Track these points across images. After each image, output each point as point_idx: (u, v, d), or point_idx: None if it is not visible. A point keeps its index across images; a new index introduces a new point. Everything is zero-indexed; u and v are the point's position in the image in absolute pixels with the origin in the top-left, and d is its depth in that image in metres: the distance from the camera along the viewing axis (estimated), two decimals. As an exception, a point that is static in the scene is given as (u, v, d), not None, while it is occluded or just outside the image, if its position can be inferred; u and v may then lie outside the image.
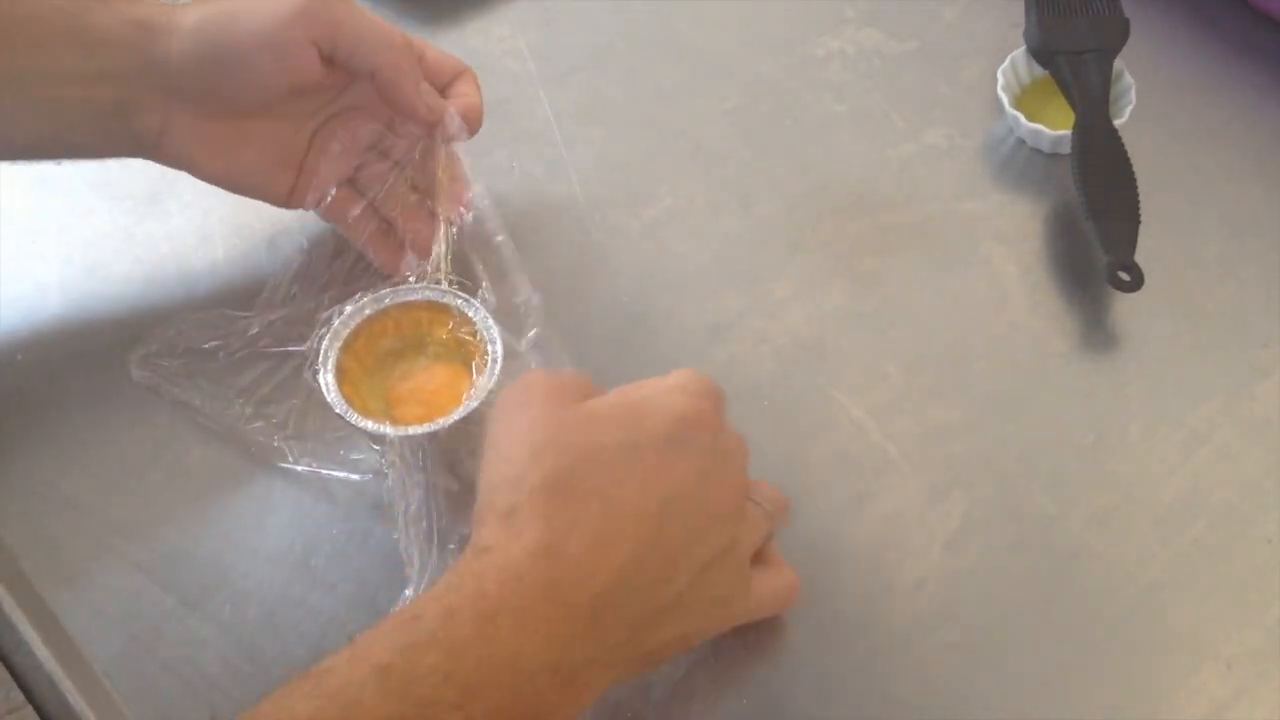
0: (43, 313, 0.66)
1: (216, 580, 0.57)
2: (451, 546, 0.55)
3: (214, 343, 0.63)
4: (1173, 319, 0.66)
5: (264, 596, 0.57)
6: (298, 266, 0.65)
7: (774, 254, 0.69)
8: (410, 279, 0.62)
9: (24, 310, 0.66)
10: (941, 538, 0.59)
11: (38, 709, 0.57)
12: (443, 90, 0.65)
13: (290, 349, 0.62)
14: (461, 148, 0.64)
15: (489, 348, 0.59)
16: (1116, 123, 0.70)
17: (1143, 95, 0.71)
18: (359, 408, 0.57)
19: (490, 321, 0.60)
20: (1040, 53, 0.73)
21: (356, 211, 0.65)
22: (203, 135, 0.61)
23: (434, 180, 0.64)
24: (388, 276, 0.63)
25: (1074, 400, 0.63)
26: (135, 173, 0.63)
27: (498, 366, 0.58)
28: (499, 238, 0.61)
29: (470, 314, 0.60)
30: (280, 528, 0.59)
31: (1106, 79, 0.71)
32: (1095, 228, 0.66)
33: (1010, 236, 0.69)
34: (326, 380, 0.58)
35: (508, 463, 0.49)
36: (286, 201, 0.64)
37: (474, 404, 0.57)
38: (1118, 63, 0.72)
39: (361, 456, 0.60)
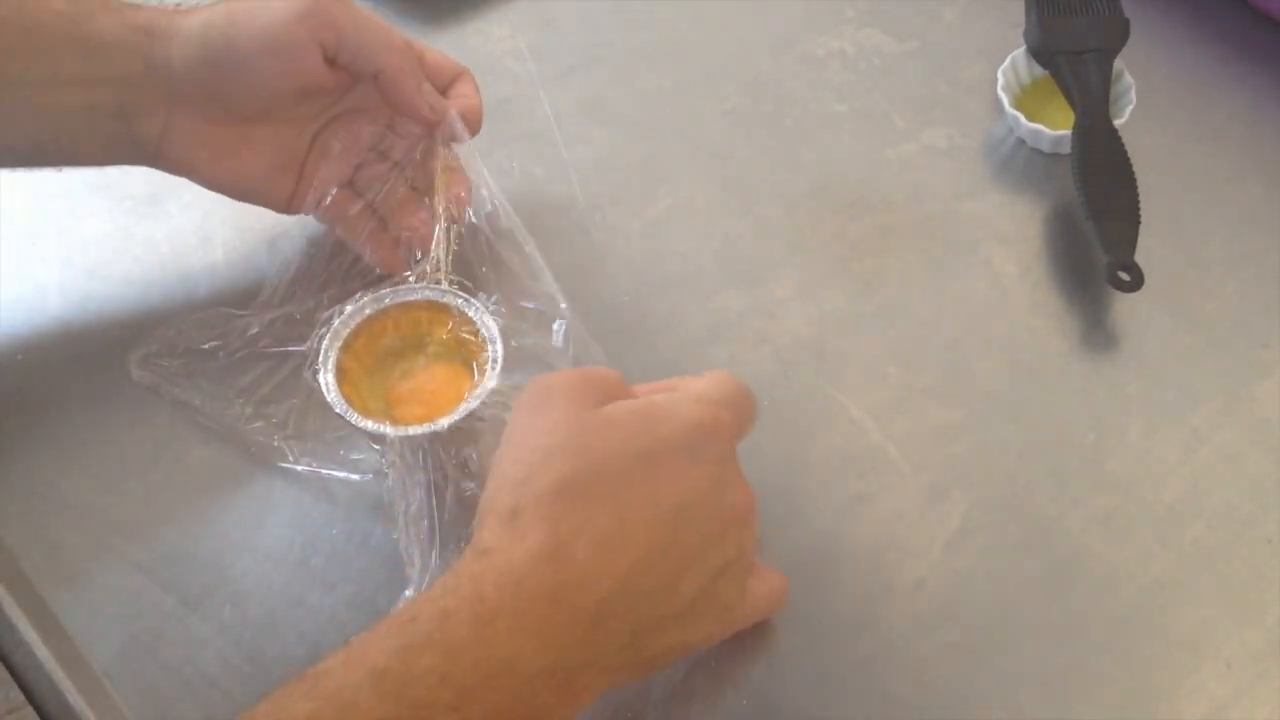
0: (43, 313, 0.66)
1: (216, 580, 0.57)
2: (453, 547, 0.55)
3: (214, 343, 0.63)
4: (1173, 319, 0.66)
5: (264, 596, 0.57)
6: (297, 266, 0.65)
7: (774, 254, 0.69)
8: (410, 279, 0.62)
9: (24, 311, 0.66)
10: (941, 538, 0.59)
11: (37, 709, 0.57)
12: (442, 92, 0.65)
13: (290, 349, 0.62)
14: (467, 149, 0.64)
15: (489, 347, 0.59)
16: (1116, 123, 0.70)
17: (1143, 95, 0.71)
18: (359, 408, 0.57)
19: (490, 321, 0.60)
20: (1040, 53, 0.73)
21: (354, 211, 0.65)
22: (204, 140, 0.61)
23: (433, 180, 0.64)
24: (385, 276, 0.63)
25: (1074, 400, 0.63)
26: (135, 174, 0.63)
27: (498, 366, 0.58)
28: (520, 236, 0.62)
29: (470, 314, 0.60)
30: (280, 528, 0.59)
31: (1106, 79, 0.71)
32: (1095, 228, 0.66)
33: (1010, 236, 0.69)
34: (326, 380, 0.58)
35: (516, 464, 0.49)
36: (287, 207, 0.64)
37: (474, 404, 0.57)
38: (1118, 63, 0.72)
39: (361, 456, 0.60)
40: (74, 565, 0.58)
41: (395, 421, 0.57)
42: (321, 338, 0.59)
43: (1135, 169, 0.68)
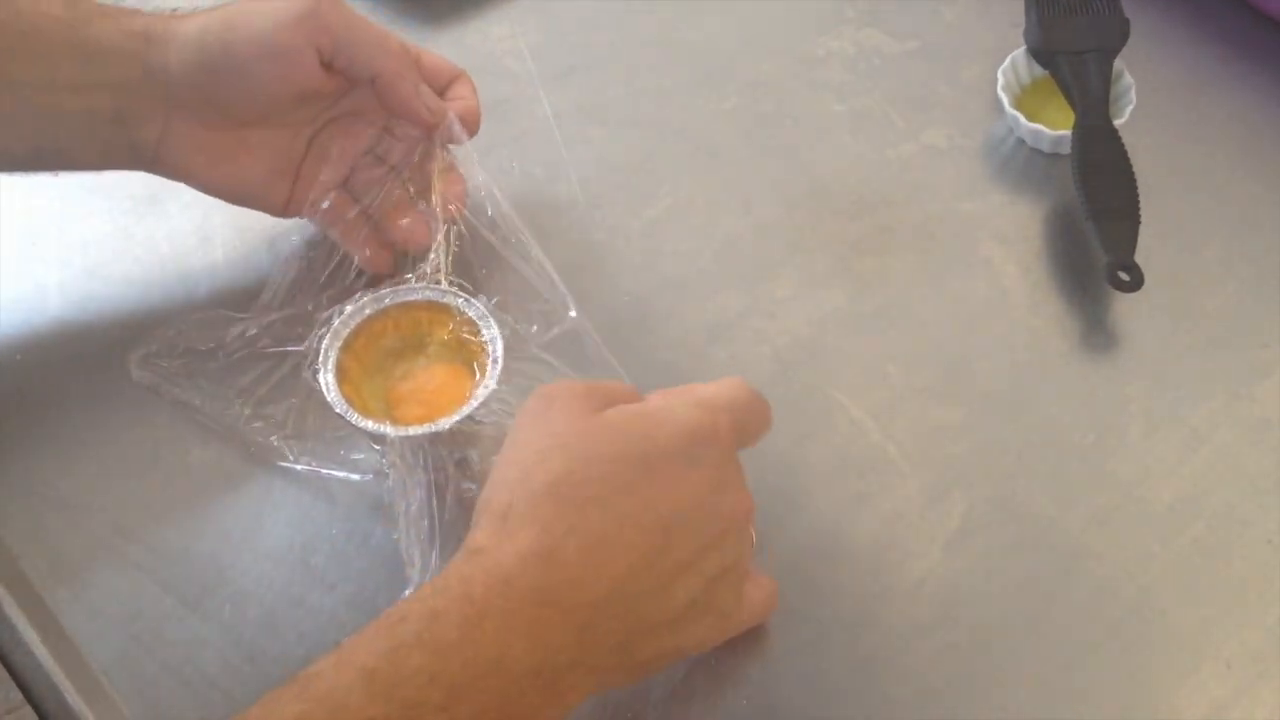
0: (42, 314, 0.66)
1: (216, 580, 0.57)
2: (453, 547, 0.55)
3: (213, 343, 0.63)
4: (1173, 319, 0.66)
5: (264, 596, 0.57)
6: (297, 267, 0.65)
7: (774, 254, 0.69)
8: (410, 279, 0.62)
9: (24, 311, 0.66)
10: (941, 538, 0.59)
11: (36, 709, 0.57)
12: (439, 94, 0.65)
13: (289, 349, 0.62)
14: (465, 150, 0.64)
15: (489, 347, 0.59)
16: (1116, 123, 0.70)
17: (1143, 95, 0.71)
18: (359, 408, 0.57)
19: (491, 321, 0.60)
20: (1040, 53, 0.73)
21: (350, 215, 0.64)
22: (201, 145, 0.61)
23: (431, 182, 0.64)
24: (385, 275, 0.63)
25: (1074, 400, 0.63)
26: (135, 174, 0.63)
27: (498, 367, 0.58)
28: (521, 237, 0.62)
29: (470, 314, 0.60)
30: (280, 528, 0.59)
31: (1106, 79, 0.71)
32: (1095, 228, 0.66)
33: (1010, 236, 0.69)
34: (327, 380, 0.58)
35: (513, 465, 0.49)
36: (283, 210, 0.64)
37: (475, 404, 0.57)
38: (1118, 63, 0.72)
39: (361, 456, 0.60)
40: (73, 565, 0.58)
41: (396, 422, 0.57)
42: (321, 338, 0.59)
43: (1135, 169, 0.68)
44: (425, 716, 0.44)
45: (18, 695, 0.57)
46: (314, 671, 0.45)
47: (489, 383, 0.57)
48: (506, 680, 0.45)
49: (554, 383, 0.52)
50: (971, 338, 0.66)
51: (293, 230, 0.67)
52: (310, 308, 0.63)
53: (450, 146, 0.64)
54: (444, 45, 0.77)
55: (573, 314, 0.61)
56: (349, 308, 0.60)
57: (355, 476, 0.60)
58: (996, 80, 0.72)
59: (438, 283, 0.61)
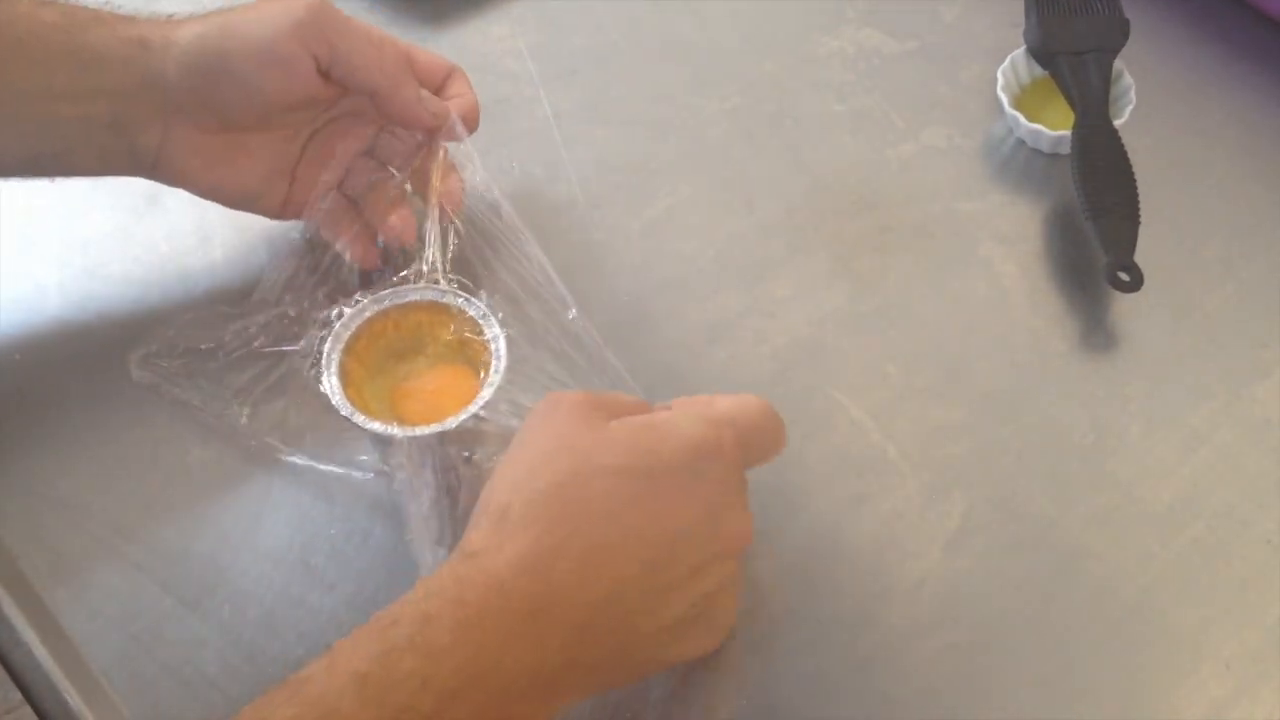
0: (42, 313, 0.66)
1: (216, 580, 0.57)
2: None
3: (213, 343, 0.63)
4: (1173, 319, 0.66)
5: (263, 596, 0.57)
6: (293, 265, 0.65)
7: (774, 254, 0.69)
8: (409, 279, 0.62)
9: (23, 310, 0.66)
10: (941, 538, 0.59)
11: (36, 709, 0.57)
12: (436, 92, 0.65)
13: (287, 348, 0.62)
14: (465, 148, 0.64)
15: (492, 346, 0.59)
16: (1116, 123, 0.70)
17: (1143, 95, 0.71)
18: (363, 409, 0.57)
19: (493, 319, 0.60)
20: (1040, 53, 0.73)
21: (345, 214, 0.64)
22: (197, 149, 0.61)
23: (429, 180, 0.64)
24: (384, 275, 0.63)
25: (1074, 400, 0.63)
26: (134, 173, 0.63)
27: (503, 364, 0.58)
28: (521, 237, 0.62)
29: (471, 312, 0.60)
30: (280, 527, 0.59)
31: (1106, 79, 0.71)
32: (1095, 228, 0.66)
33: (1010, 236, 0.69)
34: (331, 383, 0.58)
35: (513, 468, 0.49)
36: (280, 213, 0.64)
37: (482, 401, 0.57)
38: (1118, 63, 0.72)
39: (362, 456, 0.60)
40: (73, 565, 0.58)
41: (400, 422, 0.57)
42: (322, 340, 0.59)
43: (1135, 169, 0.68)
44: None
45: (17, 695, 0.57)
46: (305, 675, 0.44)
47: (495, 380, 0.57)
48: (499, 685, 0.45)
49: (563, 390, 0.52)
50: (971, 338, 0.66)
51: (291, 229, 0.67)
52: (306, 305, 0.63)
53: (450, 145, 0.64)
54: (444, 45, 0.77)
55: (573, 314, 0.61)
56: (349, 310, 0.60)
57: (356, 474, 0.59)
58: (996, 80, 0.72)
59: (436, 282, 0.61)
